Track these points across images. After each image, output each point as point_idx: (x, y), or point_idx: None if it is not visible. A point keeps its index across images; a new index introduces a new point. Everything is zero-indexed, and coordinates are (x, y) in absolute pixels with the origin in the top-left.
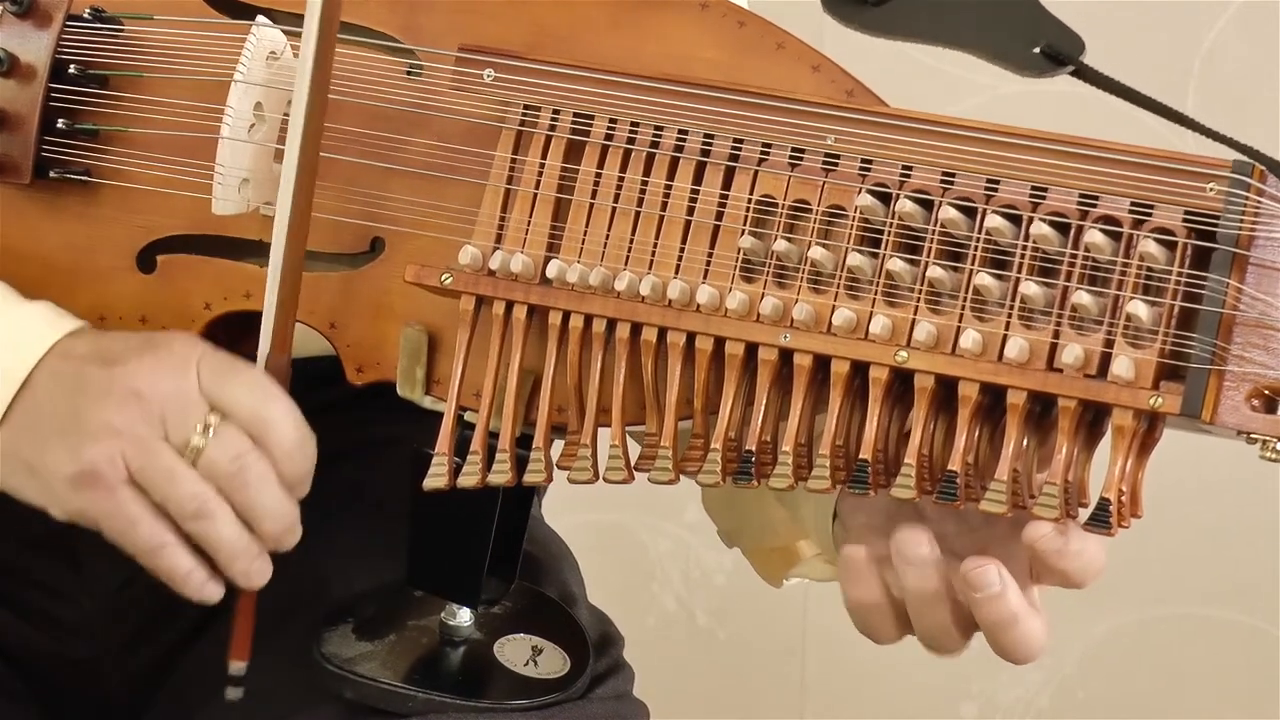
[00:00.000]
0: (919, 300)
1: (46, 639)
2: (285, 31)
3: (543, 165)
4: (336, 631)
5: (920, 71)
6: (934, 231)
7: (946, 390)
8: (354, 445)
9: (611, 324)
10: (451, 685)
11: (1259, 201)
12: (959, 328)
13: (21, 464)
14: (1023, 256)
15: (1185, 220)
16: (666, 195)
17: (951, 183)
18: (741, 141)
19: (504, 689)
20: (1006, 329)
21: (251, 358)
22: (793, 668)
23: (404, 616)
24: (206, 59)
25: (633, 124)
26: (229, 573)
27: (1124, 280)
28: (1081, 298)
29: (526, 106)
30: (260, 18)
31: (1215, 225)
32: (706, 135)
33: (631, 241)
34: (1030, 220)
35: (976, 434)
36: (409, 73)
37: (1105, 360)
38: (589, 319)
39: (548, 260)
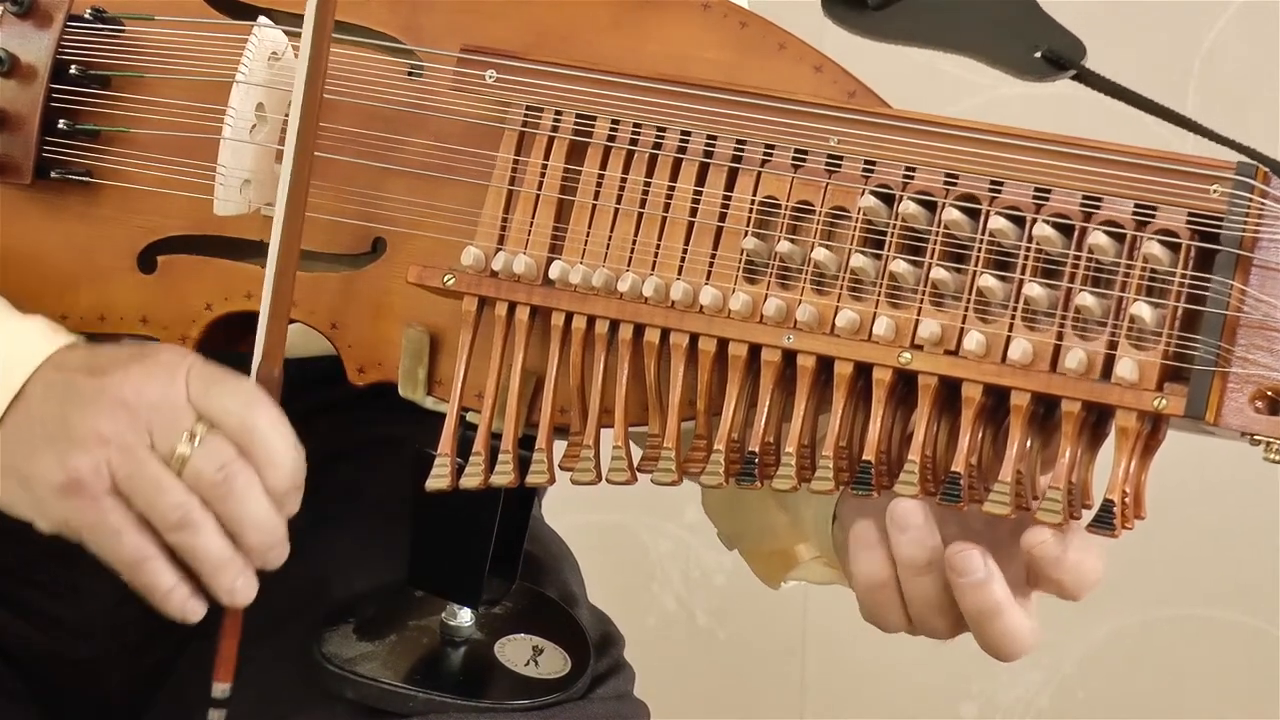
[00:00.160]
0: (922, 301)
1: (46, 639)
2: (286, 32)
3: (545, 166)
4: (337, 631)
5: (920, 72)
6: (937, 233)
7: (950, 392)
8: (354, 445)
9: (614, 325)
10: (452, 685)
11: (1262, 203)
12: (962, 329)
13: (13, 473)
14: (1026, 258)
15: (1189, 222)
16: (669, 196)
17: (955, 184)
18: (744, 143)
19: (505, 689)
20: (1010, 330)
21: (250, 358)
22: (793, 668)
23: (405, 617)
24: (207, 60)
25: (635, 125)
26: (213, 587)
27: (1127, 282)
28: (1085, 299)
29: (529, 107)
30: (262, 18)
31: (1219, 227)
32: (709, 136)
33: (634, 242)
34: (1034, 221)
35: (980, 435)
36: (410, 73)
37: (1109, 362)
38: (592, 320)
39: (550, 261)
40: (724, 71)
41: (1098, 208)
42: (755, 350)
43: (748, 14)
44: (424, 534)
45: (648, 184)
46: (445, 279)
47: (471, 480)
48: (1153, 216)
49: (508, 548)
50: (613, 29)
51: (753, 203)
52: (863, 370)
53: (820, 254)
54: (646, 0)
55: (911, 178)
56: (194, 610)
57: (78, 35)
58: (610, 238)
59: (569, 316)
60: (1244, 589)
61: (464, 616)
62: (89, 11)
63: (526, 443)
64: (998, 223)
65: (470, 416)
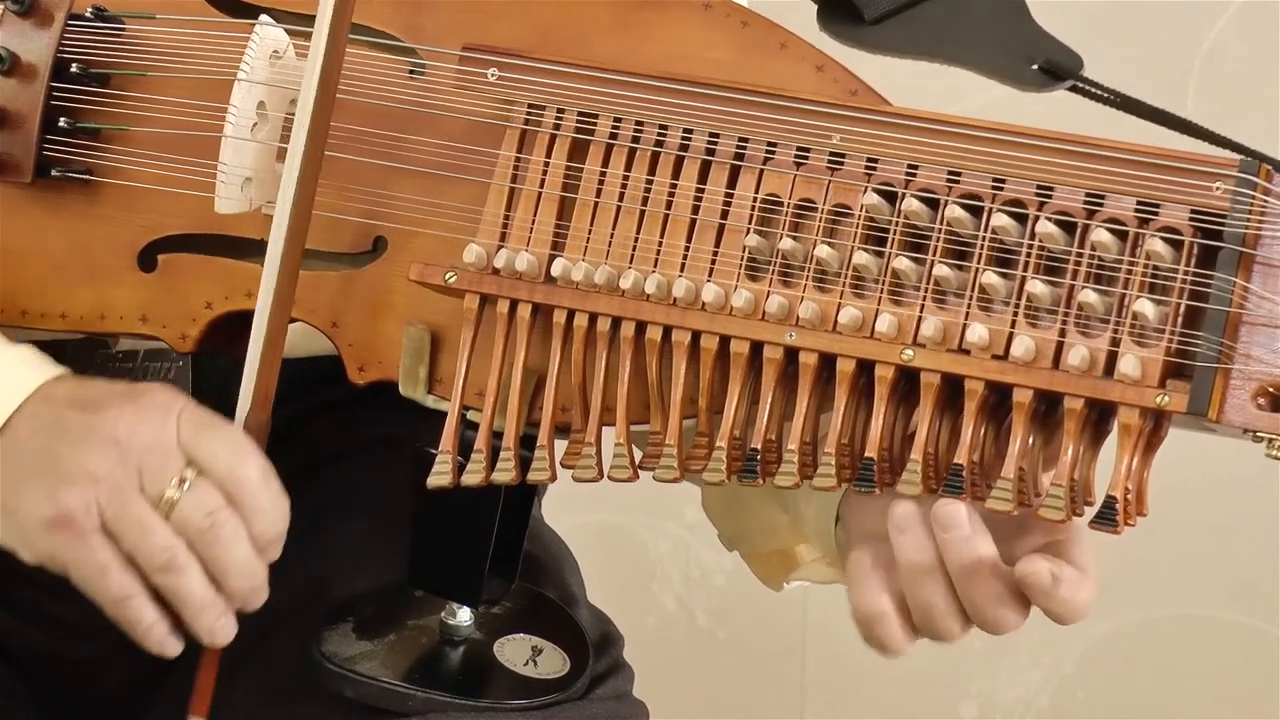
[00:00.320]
0: (925, 299)
1: (46, 639)
2: (288, 31)
3: (547, 164)
4: (336, 630)
5: (920, 69)
6: (940, 230)
7: (952, 388)
8: (353, 445)
9: (616, 322)
10: (452, 685)
11: (1265, 200)
12: (965, 326)
13: (1, 506)
14: (1029, 255)
15: (1192, 219)
16: (671, 194)
17: (957, 181)
18: (746, 140)
19: (504, 689)
20: (1013, 327)
21: (242, 371)
22: (793, 668)
23: (404, 616)
24: (208, 58)
25: (638, 123)
26: (194, 627)
27: (1130, 279)
28: (1088, 296)
29: (531, 105)
30: (264, 16)
31: (1222, 224)
32: (711, 134)
33: (636, 240)
34: (1036, 219)
35: (982, 431)
36: (411, 72)
37: (1111, 359)
38: (594, 317)
39: (552, 259)
40: (726, 71)
41: (1100, 205)
42: (757, 347)
43: (749, 14)
44: (424, 533)
45: (650, 181)
46: (447, 276)
47: (473, 477)
48: (1155, 214)
49: (508, 547)
50: (614, 29)
51: (755, 200)
52: (865, 367)
53: (823, 251)
54: (648, 0)
55: (914, 175)
56: (172, 646)
57: (79, 34)
58: (612, 235)
59: (571, 314)
60: (1243, 588)
61: (463, 616)
62: (90, 10)
63: (527, 442)
64: (1000, 220)
65: (471, 415)
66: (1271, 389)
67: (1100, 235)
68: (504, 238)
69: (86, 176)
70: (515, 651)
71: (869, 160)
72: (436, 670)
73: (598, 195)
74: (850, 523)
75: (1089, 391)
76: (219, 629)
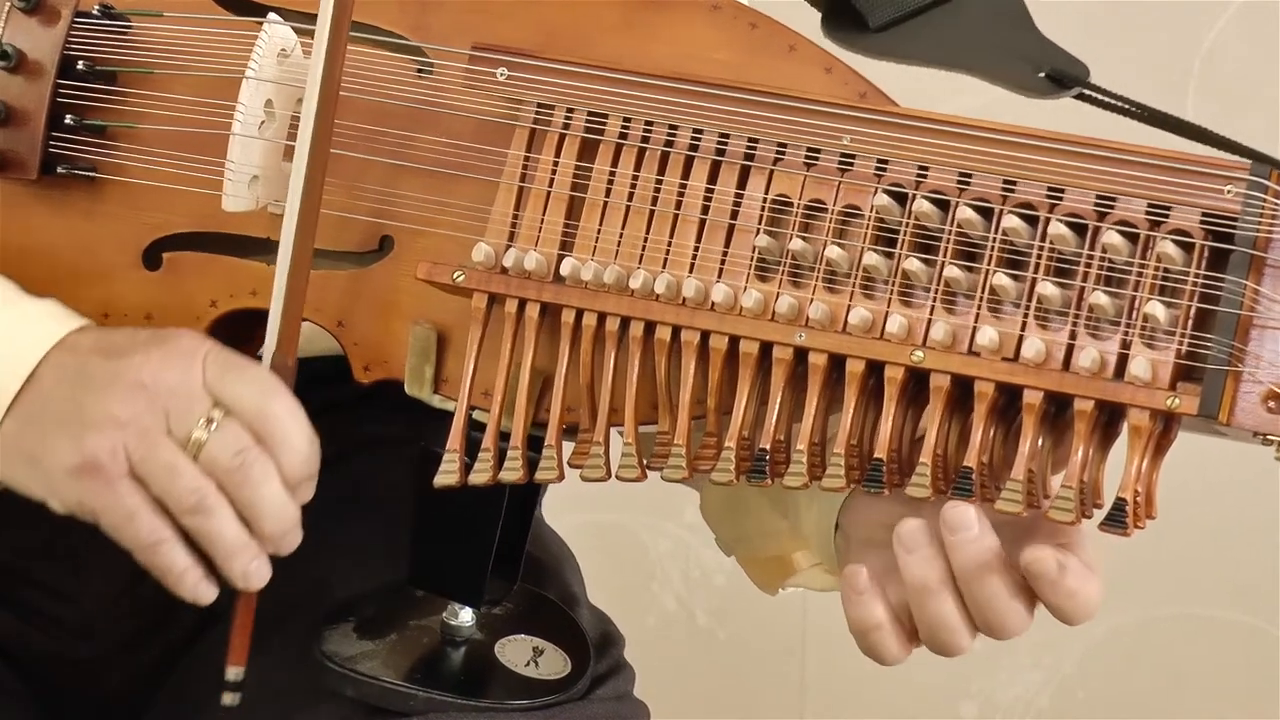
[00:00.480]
0: (935, 300)
1: (46, 639)
2: (294, 29)
3: (556, 163)
4: (337, 630)
5: (919, 69)
6: (950, 232)
7: (962, 390)
8: (355, 445)
9: (625, 322)
10: (453, 685)
11: (1276, 204)
12: (975, 328)
13: (23, 455)
14: (1039, 257)
15: (1203, 222)
16: (681, 194)
17: (968, 183)
18: (756, 141)
19: (505, 689)
20: (1023, 329)
21: (255, 358)
22: (792, 668)
23: (405, 616)
24: (215, 56)
25: (647, 123)
26: (227, 571)
27: (1141, 281)
28: (1098, 298)
29: (540, 105)
30: (272, 15)
31: (1233, 227)
32: (721, 135)
33: (646, 240)
34: (1047, 221)
35: (991, 433)
36: (420, 71)
37: (1121, 361)
38: (602, 317)
39: (561, 258)
40: (733, 72)
41: (1112, 207)
42: (767, 348)
43: (758, 15)
44: (427, 533)
45: (659, 181)
46: (455, 275)
47: (481, 476)
48: (1166, 216)
49: (510, 548)
50: (621, 29)
51: (765, 201)
52: (875, 368)
53: (833, 252)
54: (655, 1)
55: (925, 177)
56: (206, 593)
57: (85, 31)
58: (622, 235)
59: (579, 314)
60: (1243, 588)
61: (465, 616)
62: (97, 8)
63: (533, 443)
64: (1011, 222)
65: (477, 415)
66: None
67: (1111, 237)
68: (512, 237)
69: (92, 174)
70: (516, 652)
71: (879, 161)
72: (438, 670)
73: (607, 195)
74: (850, 531)
75: (1099, 393)
76: (253, 572)
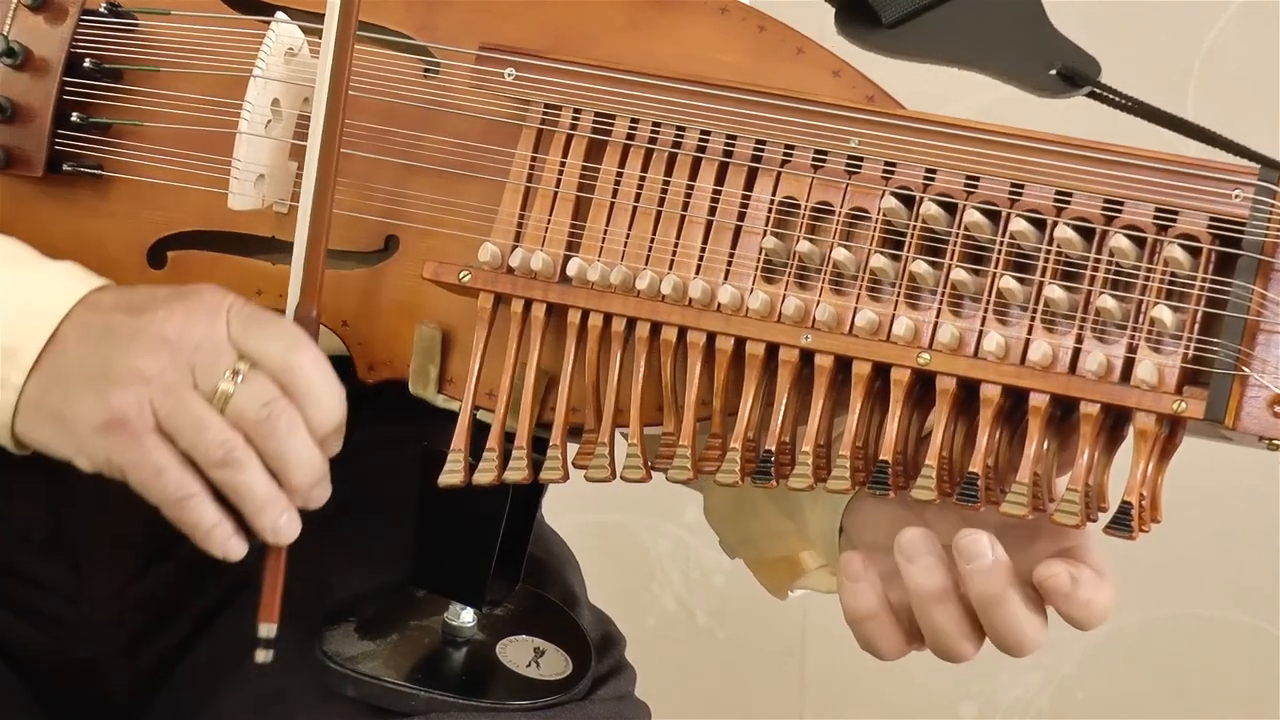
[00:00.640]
0: (941, 303)
1: (46, 639)
2: (302, 29)
3: (563, 164)
4: (339, 630)
5: (916, 69)
6: (957, 235)
7: (967, 393)
8: (357, 445)
9: (631, 323)
10: (454, 685)
11: None
12: (981, 330)
13: (50, 415)
14: (1046, 260)
15: (1210, 226)
16: (688, 195)
17: (976, 187)
18: (764, 143)
19: (507, 690)
20: (1030, 333)
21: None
22: (792, 668)
23: (407, 616)
24: (222, 55)
25: (655, 124)
26: (256, 525)
27: (1148, 285)
28: (1105, 302)
29: (547, 105)
30: (279, 14)
31: (1240, 232)
32: (729, 136)
33: (652, 241)
34: (1055, 224)
35: (997, 437)
36: (426, 72)
37: (1128, 365)
38: (608, 318)
39: (567, 259)
40: (741, 75)
41: (1119, 211)
42: (773, 349)
43: (766, 18)
44: (429, 533)
45: (666, 183)
46: (461, 275)
47: (485, 476)
48: (1174, 220)
49: (513, 549)
50: (628, 30)
51: (772, 202)
52: (881, 370)
53: (839, 254)
54: (663, 2)
55: (932, 180)
56: (235, 549)
57: (92, 29)
58: (628, 236)
59: (585, 314)
60: (1244, 589)
61: (466, 617)
62: (104, 6)
63: (537, 444)
64: (1018, 225)
65: (481, 415)
66: None
67: (1118, 241)
68: (519, 237)
69: (97, 172)
70: (518, 653)
71: (887, 164)
72: (439, 670)
73: (614, 195)
74: (854, 535)
75: (1105, 397)
76: (283, 526)
